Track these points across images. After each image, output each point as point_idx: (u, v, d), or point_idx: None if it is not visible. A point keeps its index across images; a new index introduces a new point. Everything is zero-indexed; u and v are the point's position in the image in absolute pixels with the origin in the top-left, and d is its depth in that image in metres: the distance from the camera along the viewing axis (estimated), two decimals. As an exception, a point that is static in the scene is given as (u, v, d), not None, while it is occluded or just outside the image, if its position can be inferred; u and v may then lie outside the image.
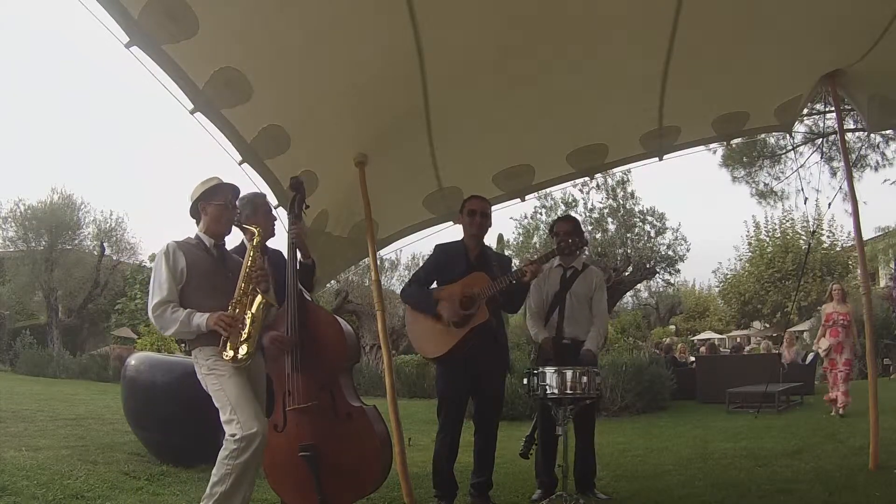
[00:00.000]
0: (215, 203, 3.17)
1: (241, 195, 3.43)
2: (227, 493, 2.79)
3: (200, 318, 2.93)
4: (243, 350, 2.93)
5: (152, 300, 3.00)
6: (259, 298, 3.03)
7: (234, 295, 3.01)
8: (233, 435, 2.82)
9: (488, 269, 3.88)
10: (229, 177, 3.26)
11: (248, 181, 4.08)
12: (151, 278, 3.08)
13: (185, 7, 3.06)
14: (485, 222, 4.05)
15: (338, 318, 3.82)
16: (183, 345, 3.13)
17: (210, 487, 2.82)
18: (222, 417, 2.88)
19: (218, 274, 3.12)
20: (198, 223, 3.23)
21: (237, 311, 2.99)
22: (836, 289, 8.65)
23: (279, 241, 3.77)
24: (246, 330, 2.95)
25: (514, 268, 4.06)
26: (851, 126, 10.34)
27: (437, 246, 4.20)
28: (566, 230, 4.23)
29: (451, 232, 5.02)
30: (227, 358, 2.91)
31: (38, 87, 53.79)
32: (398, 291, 13.62)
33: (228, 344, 2.92)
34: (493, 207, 4.27)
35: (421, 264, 4.69)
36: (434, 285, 4.01)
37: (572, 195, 15.64)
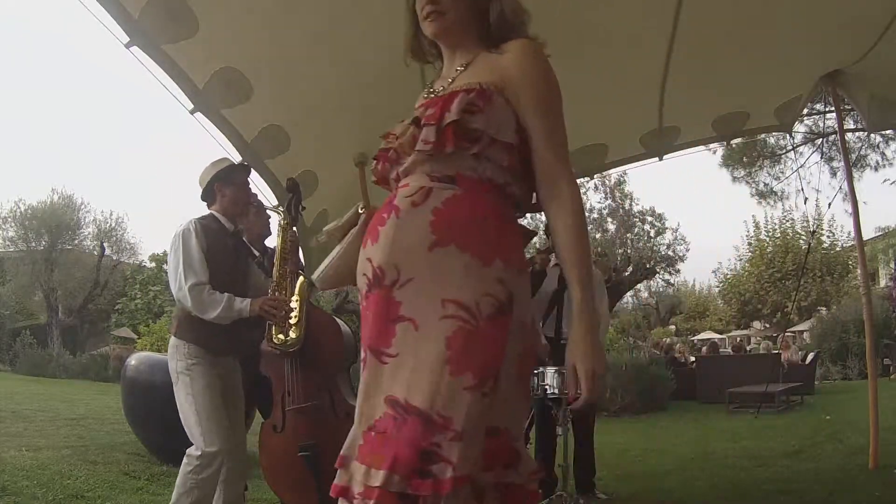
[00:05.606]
0: (236, 184, 3.08)
1: None
2: None
3: (242, 304, 2.79)
4: (293, 334, 2.97)
5: (187, 281, 2.75)
6: (302, 279, 3.04)
7: (274, 278, 2.97)
8: (196, 450, 2.67)
9: None
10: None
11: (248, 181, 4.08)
12: (175, 259, 2.81)
13: (185, 7, 3.06)
14: None
15: (335, 318, 3.83)
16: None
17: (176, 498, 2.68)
18: (186, 428, 2.72)
19: (235, 261, 3.00)
20: (209, 206, 3.08)
21: (279, 293, 2.90)
22: None
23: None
24: (295, 314, 2.95)
25: None
26: (851, 126, 10.33)
27: None
28: None
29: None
30: (278, 342, 2.94)
31: (39, 87, 53.93)
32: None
33: (275, 329, 2.94)
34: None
35: None
36: None
37: (572, 195, 15.62)
